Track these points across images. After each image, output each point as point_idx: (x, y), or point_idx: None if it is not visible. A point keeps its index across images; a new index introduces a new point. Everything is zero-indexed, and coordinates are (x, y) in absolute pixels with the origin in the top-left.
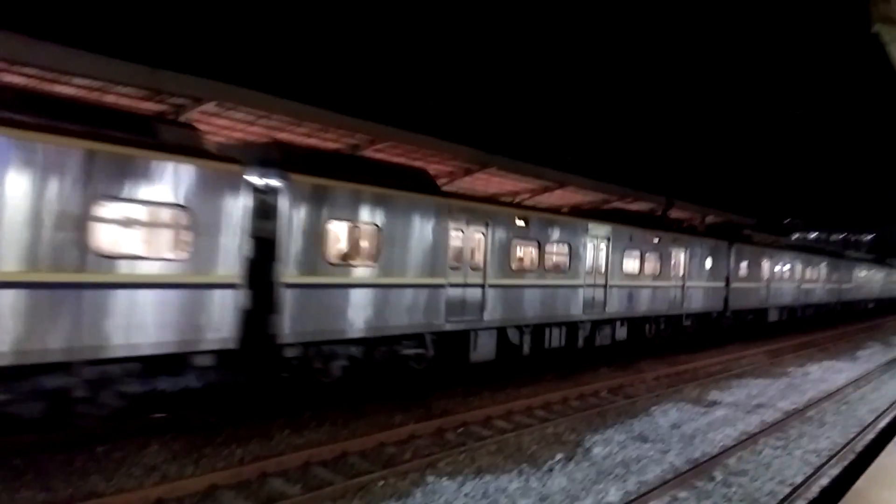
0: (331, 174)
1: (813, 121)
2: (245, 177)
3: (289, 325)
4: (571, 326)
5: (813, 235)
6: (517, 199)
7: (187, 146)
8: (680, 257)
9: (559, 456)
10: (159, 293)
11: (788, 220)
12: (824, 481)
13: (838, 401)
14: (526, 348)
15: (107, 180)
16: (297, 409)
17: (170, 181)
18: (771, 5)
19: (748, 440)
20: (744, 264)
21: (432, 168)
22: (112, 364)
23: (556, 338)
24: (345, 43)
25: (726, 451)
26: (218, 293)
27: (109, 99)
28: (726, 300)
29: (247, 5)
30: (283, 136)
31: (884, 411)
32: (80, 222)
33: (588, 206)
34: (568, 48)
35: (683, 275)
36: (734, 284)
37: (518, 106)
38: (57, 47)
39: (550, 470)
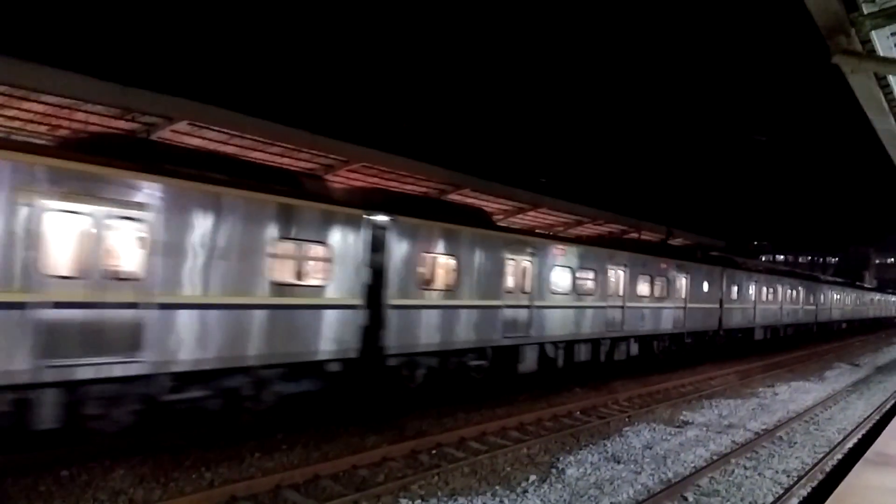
0: (422, 215)
1: (779, 147)
2: (365, 217)
3: (392, 338)
4: (595, 343)
5: (780, 258)
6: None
7: (325, 195)
8: (682, 281)
9: (533, 477)
10: (309, 313)
11: (756, 242)
12: (794, 502)
13: (807, 421)
14: (560, 362)
15: (277, 224)
16: (268, 432)
17: (317, 224)
18: (737, 37)
19: (720, 460)
20: (734, 288)
21: (406, 189)
22: (268, 369)
23: (583, 353)
24: (319, 64)
25: (698, 472)
26: (348, 312)
27: (79, 117)
28: (720, 320)
29: (219, 25)
30: (256, 155)
31: (851, 431)
32: (260, 257)
33: (562, 228)
34: (540, 74)
35: (685, 297)
36: (727, 306)
37: (492, 127)
38: (25, 64)
39: (525, 491)
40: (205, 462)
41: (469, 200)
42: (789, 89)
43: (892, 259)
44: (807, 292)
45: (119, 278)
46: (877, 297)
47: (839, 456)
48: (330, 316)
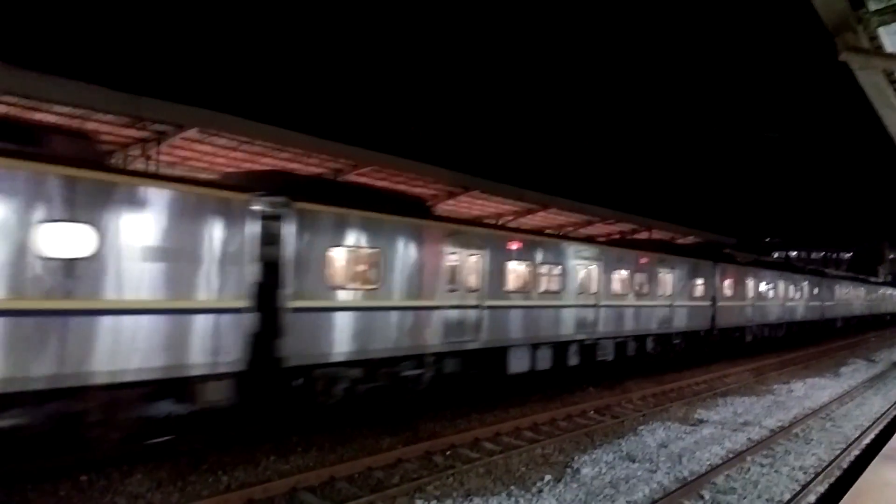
0: (730, 261)
1: (789, 143)
2: (706, 262)
3: (720, 320)
4: (774, 327)
5: (793, 254)
6: (500, 222)
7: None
8: (805, 287)
9: (548, 477)
10: (690, 308)
11: (768, 238)
12: (811, 498)
13: (823, 418)
14: (759, 336)
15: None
16: (283, 434)
17: (700, 270)
18: (745, 35)
19: (735, 458)
20: (827, 291)
21: (416, 191)
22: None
23: (767, 332)
24: (327, 68)
25: (714, 470)
26: (706, 307)
27: (90, 126)
28: (822, 313)
29: (228, 33)
30: (266, 161)
31: (868, 427)
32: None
33: (572, 228)
34: (550, 72)
35: (806, 298)
36: (826, 303)
37: (501, 129)
38: (37, 75)
39: (540, 491)
40: (221, 465)
41: (478, 202)
42: (799, 86)
43: None
44: (866, 292)
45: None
46: None
47: (856, 452)
48: (694, 309)
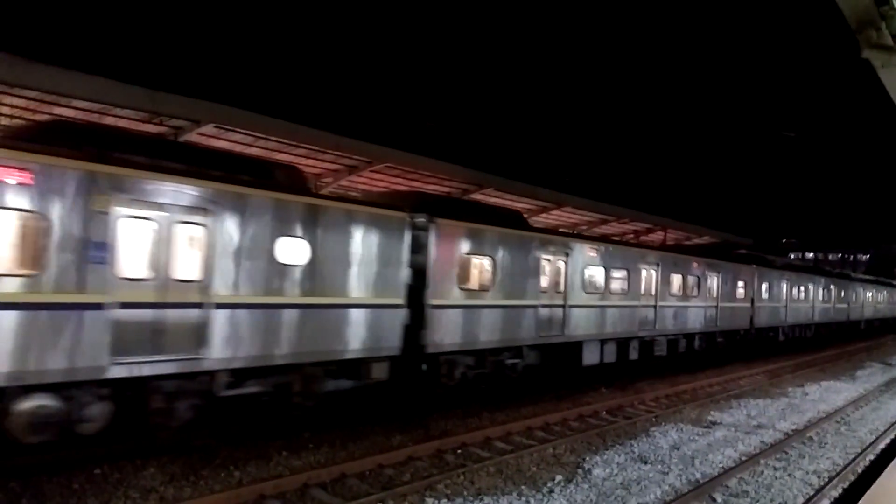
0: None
1: (807, 143)
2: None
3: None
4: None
5: (809, 255)
6: None
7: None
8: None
9: (559, 477)
10: (733, 308)
11: (785, 240)
12: (825, 503)
13: (838, 421)
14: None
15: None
16: (295, 431)
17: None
18: (763, 30)
19: (749, 461)
20: (843, 292)
21: (430, 189)
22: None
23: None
24: (341, 65)
25: (727, 473)
26: (743, 307)
27: (108, 121)
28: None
29: (244, 28)
30: (282, 157)
31: (884, 432)
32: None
33: (586, 226)
34: (563, 67)
35: (816, 298)
36: (850, 305)
37: (514, 126)
38: (56, 70)
39: (551, 491)
40: (233, 461)
41: (492, 200)
42: (818, 85)
43: None
44: (888, 294)
45: None
46: None
47: (871, 457)
48: (736, 309)
